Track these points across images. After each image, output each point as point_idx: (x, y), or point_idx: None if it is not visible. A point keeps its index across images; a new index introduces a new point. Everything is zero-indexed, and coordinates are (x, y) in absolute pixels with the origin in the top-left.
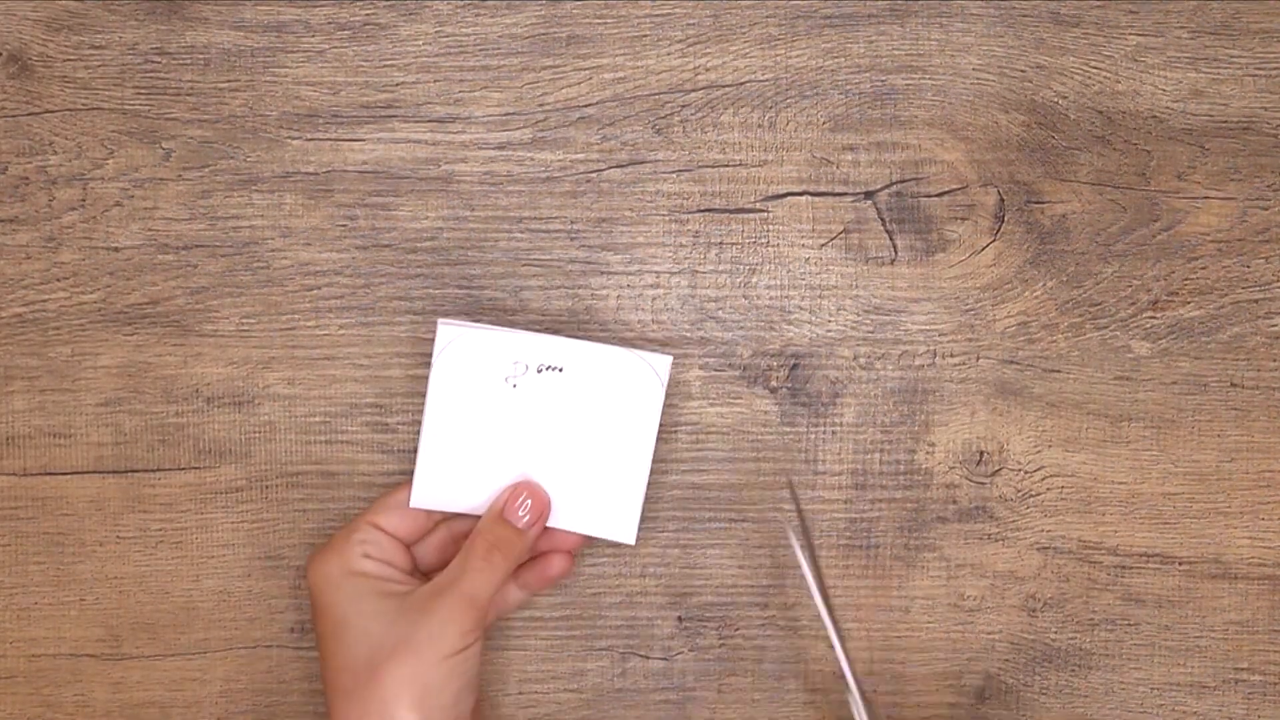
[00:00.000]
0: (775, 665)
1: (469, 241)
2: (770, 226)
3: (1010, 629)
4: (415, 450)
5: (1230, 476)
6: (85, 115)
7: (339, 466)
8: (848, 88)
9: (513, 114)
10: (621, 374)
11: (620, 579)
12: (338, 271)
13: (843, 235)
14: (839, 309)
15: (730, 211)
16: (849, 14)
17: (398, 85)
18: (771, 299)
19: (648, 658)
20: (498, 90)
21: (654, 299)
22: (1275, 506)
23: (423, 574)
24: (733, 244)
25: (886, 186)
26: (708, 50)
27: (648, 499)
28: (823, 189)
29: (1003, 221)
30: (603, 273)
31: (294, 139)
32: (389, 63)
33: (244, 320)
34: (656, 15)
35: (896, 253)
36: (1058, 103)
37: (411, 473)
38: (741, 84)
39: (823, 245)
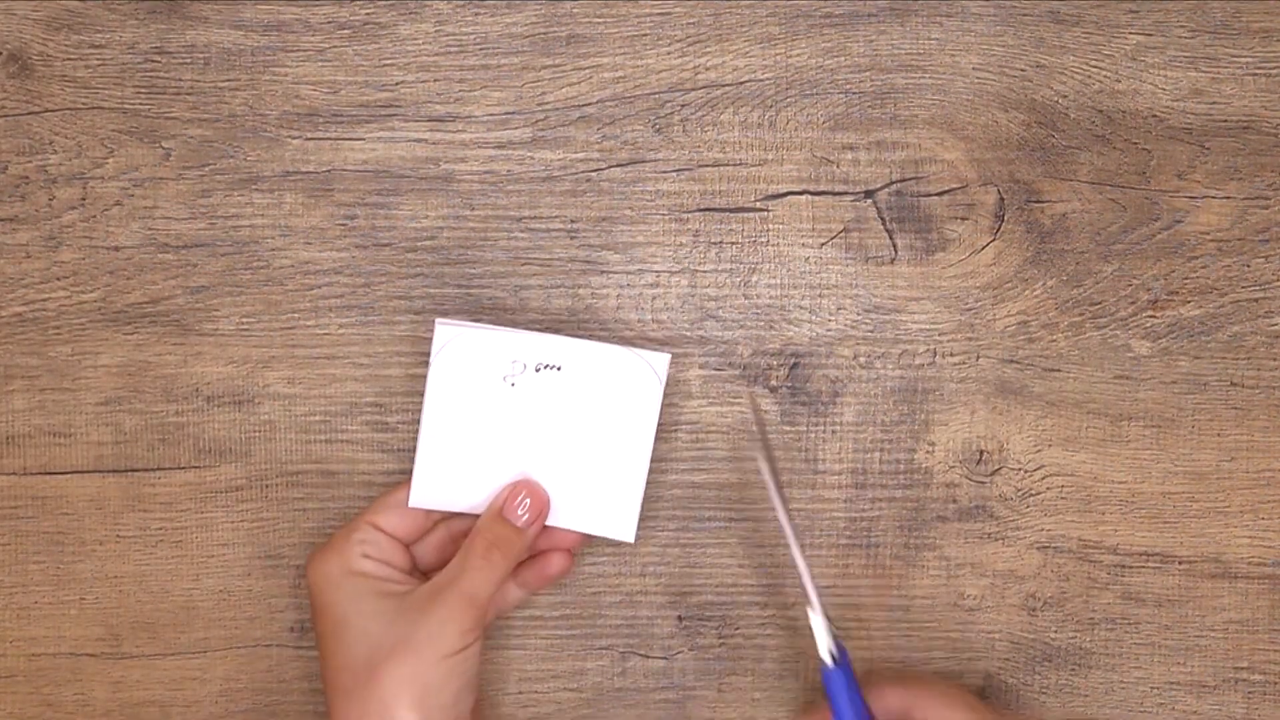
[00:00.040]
0: (775, 665)
1: (469, 241)
2: (770, 226)
3: (1010, 628)
4: (415, 450)
5: (1230, 476)
6: (85, 114)
7: (339, 466)
8: (848, 87)
9: (513, 113)
10: (619, 372)
11: (620, 578)
12: (338, 271)
13: (843, 234)
14: (839, 308)
15: (730, 211)
16: (849, 13)
17: (398, 84)
18: (771, 298)
19: (648, 657)
20: (498, 90)
21: (654, 298)
22: (1275, 506)
23: (422, 574)
24: (732, 243)
25: (886, 186)
26: (708, 49)
27: (648, 498)
28: (823, 188)
29: (1003, 221)
30: (602, 272)
31: (294, 138)
32: (389, 62)
33: (244, 320)
34: (656, 14)
35: (896, 252)
36: (1058, 102)
37: (411, 472)
38: (741, 83)
39: (823, 244)
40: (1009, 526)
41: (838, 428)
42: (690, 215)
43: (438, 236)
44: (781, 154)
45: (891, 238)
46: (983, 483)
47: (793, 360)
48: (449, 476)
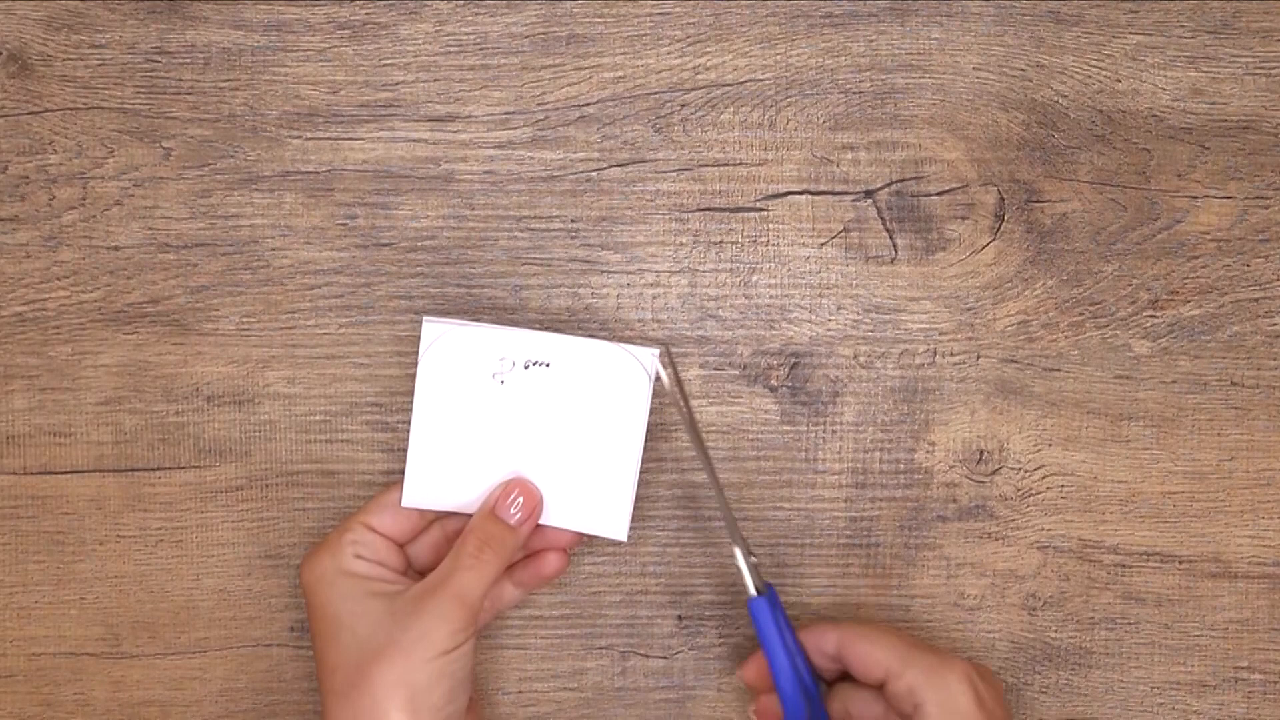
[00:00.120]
0: None
1: (469, 241)
2: (770, 225)
3: (1010, 628)
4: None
5: (1230, 475)
6: (85, 114)
7: (339, 465)
8: (848, 87)
9: (513, 113)
10: (609, 369)
11: (620, 578)
12: (338, 271)
13: (843, 234)
14: (839, 308)
15: (730, 210)
16: (849, 13)
17: (397, 84)
18: (771, 298)
19: (648, 657)
20: (498, 89)
21: (654, 298)
22: (1275, 505)
23: (417, 573)
24: (732, 243)
25: (886, 185)
26: (708, 49)
27: (648, 497)
28: (823, 188)
29: (1003, 220)
30: (603, 272)
31: (294, 138)
32: (389, 62)
33: (244, 319)
34: (656, 14)
35: (896, 252)
36: (1058, 102)
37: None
38: (741, 83)
39: (823, 244)
40: (1009, 526)
41: (838, 428)
42: (690, 215)
43: (438, 236)
44: (781, 154)
45: (891, 237)
46: (983, 482)
47: (793, 360)
48: (441, 476)
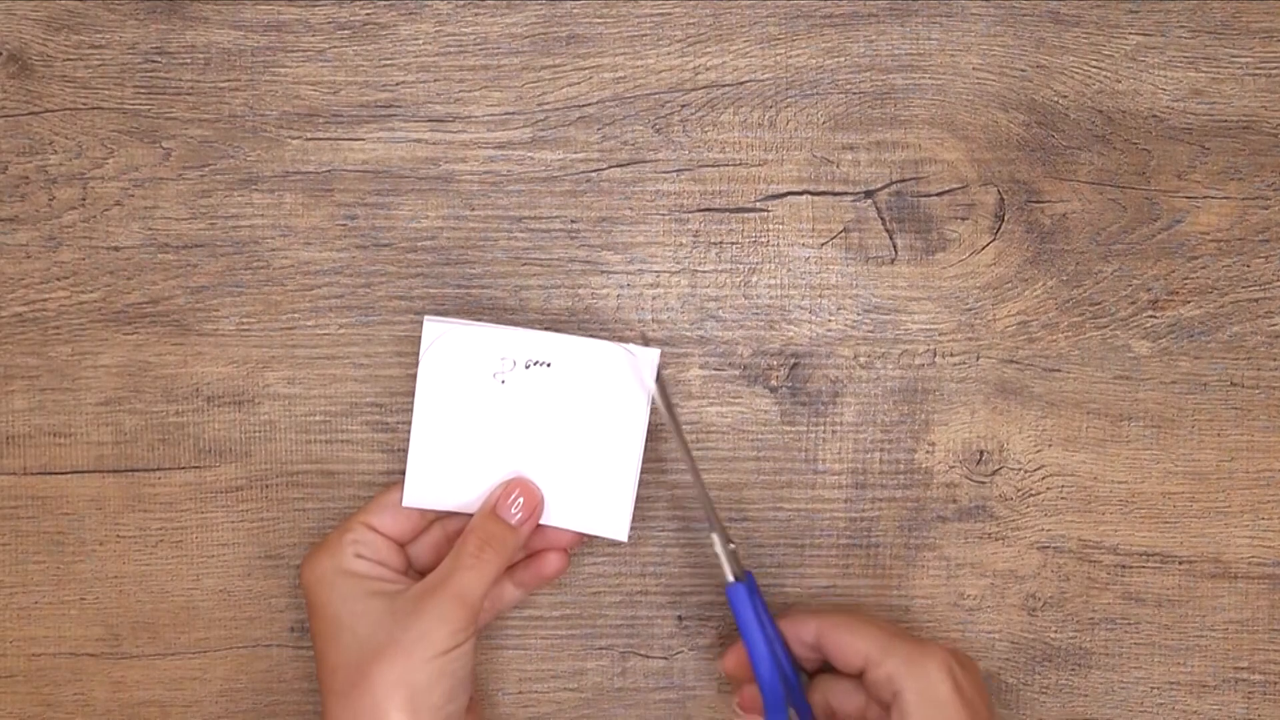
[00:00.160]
0: None
1: (469, 241)
2: (770, 226)
3: (1010, 628)
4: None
5: (1230, 476)
6: (85, 115)
7: (339, 466)
8: (848, 87)
9: (513, 113)
10: (610, 368)
11: (620, 578)
12: (338, 271)
13: (843, 235)
14: (839, 308)
15: (730, 211)
16: (849, 13)
17: (398, 85)
18: (771, 298)
19: (648, 657)
20: (498, 90)
21: (654, 298)
22: (1275, 506)
23: (417, 573)
24: (732, 243)
25: (886, 186)
26: (708, 50)
27: (648, 498)
28: (823, 188)
29: (1003, 221)
30: (603, 272)
31: (294, 138)
32: (389, 62)
33: (244, 320)
34: (656, 15)
35: (896, 252)
36: (1058, 102)
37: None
38: (741, 83)
39: (823, 245)
40: (1009, 526)
41: (838, 428)
42: (690, 215)
43: (438, 236)
44: (781, 154)
45: (891, 238)
46: (983, 483)
47: (793, 360)
48: (442, 476)
